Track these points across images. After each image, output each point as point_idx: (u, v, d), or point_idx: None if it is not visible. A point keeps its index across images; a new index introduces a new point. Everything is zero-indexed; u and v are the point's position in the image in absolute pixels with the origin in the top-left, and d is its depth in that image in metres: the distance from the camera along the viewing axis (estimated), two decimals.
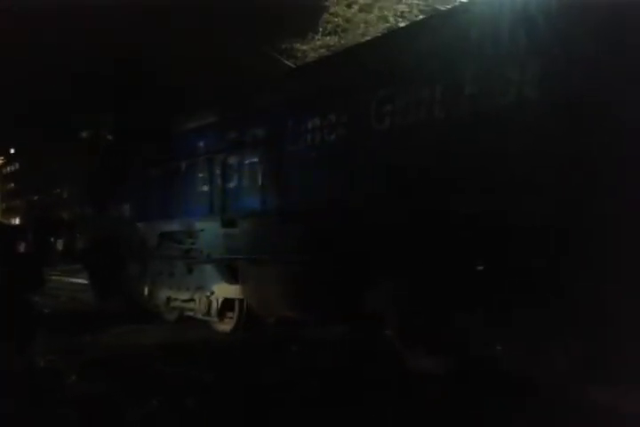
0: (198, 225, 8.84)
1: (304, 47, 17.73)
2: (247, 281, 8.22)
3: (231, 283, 8.51)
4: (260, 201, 7.96)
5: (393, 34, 9.33)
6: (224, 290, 8.64)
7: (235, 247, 8.14)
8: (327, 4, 17.09)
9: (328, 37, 17.53)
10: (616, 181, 4.29)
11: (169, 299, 9.83)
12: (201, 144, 9.39)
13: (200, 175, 9.16)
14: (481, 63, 5.14)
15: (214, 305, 8.82)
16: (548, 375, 4.72)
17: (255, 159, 8.21)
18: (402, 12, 16.52)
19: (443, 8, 14.35)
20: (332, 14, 17.28)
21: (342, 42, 17.09)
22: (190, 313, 9.50)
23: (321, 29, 17.41)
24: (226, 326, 8.88)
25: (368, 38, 14.38)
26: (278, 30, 18.01)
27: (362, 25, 17.03)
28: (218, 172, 8.80)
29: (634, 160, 4.17)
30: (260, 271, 7.92)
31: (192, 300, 9.32)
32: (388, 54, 6.16)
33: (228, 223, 8.23)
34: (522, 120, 4.79)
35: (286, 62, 17.79)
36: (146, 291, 10.18)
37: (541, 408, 4.47)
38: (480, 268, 5.09)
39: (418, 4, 16.30)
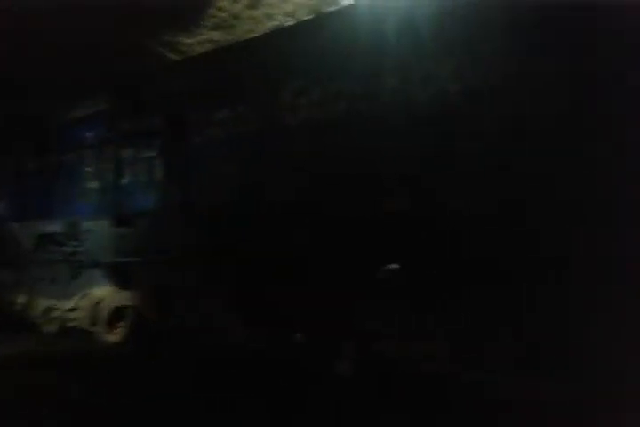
0: (84, 225, 7.92)
1: (189, 41, 16.25)
2: (140, 286, 7.44)
3: (122, 289, 7.69)
4: (157, 198, 7.22)
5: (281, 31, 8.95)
6: (114, 297, 7.79)
7: (127, 249, 7.33)
8: None
9: (214, 32, 16.38)
10: None
11: (49, 308, 8.80)
12: (87, 135, 8.47)
13: (86, 170, 8.24)
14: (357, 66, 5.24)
15: (102, 314, 7.93)
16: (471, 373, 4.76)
17: (152, 152, 7.46)
18: (290, 12, 15.71)
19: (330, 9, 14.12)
20: (218, 9, 16.07)
21: (229, 37, 15.86)
22: (74, 324, 8.53)
23: (207, 24, 16.06)
24: (115, 337, 8.01)
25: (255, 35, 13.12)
26: (161, 23, 17.36)
27: (248, 22, 16.01)
28: (107, 165, 7.94)
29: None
30: (154, 275, 7.17)
31: (76, 309, 8.37)
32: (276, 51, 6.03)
33: (119, 223, 7.40)
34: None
35: (170, 56, 15.61)
36: (21, 300, 9.08)
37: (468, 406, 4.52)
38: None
39: (306, 4, 15.55)
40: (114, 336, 8.00)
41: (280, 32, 7.63)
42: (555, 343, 4.28)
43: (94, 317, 8.01)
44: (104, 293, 7.85)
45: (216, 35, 16.42)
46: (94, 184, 7.95)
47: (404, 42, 4.94)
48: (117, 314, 7.85)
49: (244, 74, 6.30)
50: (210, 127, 6.53)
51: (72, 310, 8.45)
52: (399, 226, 4.91)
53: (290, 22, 15.10)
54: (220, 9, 15.98)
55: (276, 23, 15.59)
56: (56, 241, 8.52)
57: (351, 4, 7.15)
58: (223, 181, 6.38)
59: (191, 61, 8.67)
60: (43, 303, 8.83)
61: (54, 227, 8.32)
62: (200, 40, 16.27)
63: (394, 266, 5.45)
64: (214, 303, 6.59)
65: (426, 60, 4.82)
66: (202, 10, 15.91)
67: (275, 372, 5.90)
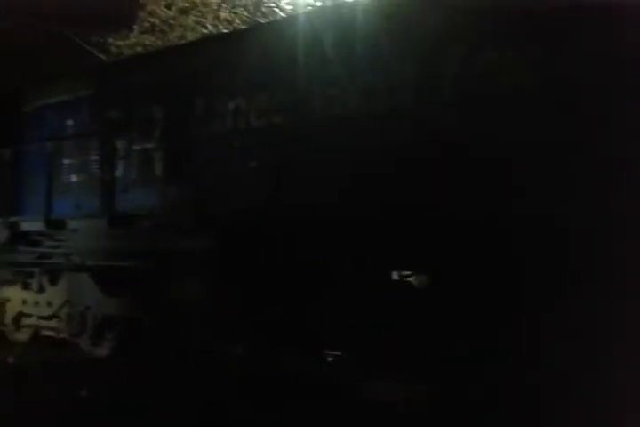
0: (69, 224, 7.02)
1: (119, 43, 16.56)
2: (136, 295, 6.62)
3: (114, 296, 6.86)
4: (159, 196, 6.43)
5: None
6: (103, 305, 6.94)
7: (122, 252, 6.51)
8: (144, 1, 16.11)
9: (145, 36, 16.40)
10: None
11: (20, 315, 7.85)
12: (67, 122, 7.56)
13: (69, 162, 7.34)
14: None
15: (90, 323, 7.07)
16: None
17: (148, 144, 6.66)
18: (225, 20, 16.03)
19: (264, 20, 14.96)
20: (149, 14, 16.29)
21: (160, 42, 16.04)
22: (50, 333, 7.62)
23: (137, 27, 16.28)
24: (102, 349, 7.16)
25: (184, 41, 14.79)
26: (89, 23, 15.98)
27: (178, 28, 16.22)
28: (95, 158, 7.07)
29: None
30: (155, 283, 6.37)
31: (55, 317, 7.47)
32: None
33: (114, 223, 6.57)
34: None
35: (99, 55, 16.15)
36: None
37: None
38: None
39: (241, 15, 16.10)
40: (100, 349, 7.17)
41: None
42: None
43: (77, 326, 7.15)
44: (92, 300, 7.00)
45: (146, 38, 16.43)
46: (81, 179, 7.09)
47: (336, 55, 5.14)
48: (105, 324, 7.03)
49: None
50: (228, 117, 5.82)
51: (49, 318, 7.55)
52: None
53: (221, 30, 15.21)
54: (150, 14, 16.24)
55: (205, 31, 15.88)
56: (31, 242, 7.58)
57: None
58: (244, 179, 5.68)
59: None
60: (12, 309, 7.88)
61: (31, 225, 7.38)
62: (130, 43, 16.50)
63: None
64: (225, 315, 5.88)
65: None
66: (132, 14, 15.99)
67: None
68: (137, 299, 6.56)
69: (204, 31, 15.83)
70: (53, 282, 7.44)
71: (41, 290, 7.50)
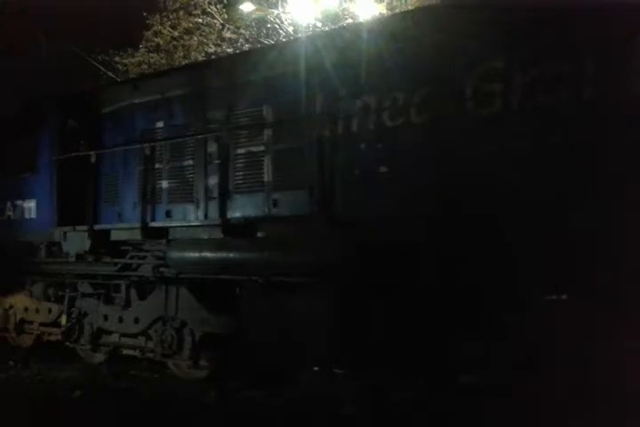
0: (172, 232, 6.40)
1: (125, 61, 17.11)
2: (248, 312, 5.96)
3: (218, 312, 6.21)
4: (280, 203, 5.82)
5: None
6: (205, 322, 6.29)
7: (238, 263, 5.86)
8: (150, 22, 16.56)
9: (152, 54, 17.03)
10: None
11: (98, 332, 7.17)
12: (157, 124, 6.96)
13: (164, 166, 6.70)
14: None
15: (187, 342, 6.41)
16: None
17: (258, 147, 6.06)
18: (229, 39, 16.51)
19: (267, 41, 15.50)
20: (155, 33, 16.74)
21: (164, 61, 16.76)
22: (134, 353, 6.94)
23: (142, 46, 16.93)
24: (199, 372, 6.49)
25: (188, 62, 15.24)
26: (97, 41, 16.95)
27: (181, 48, 16.73)
28: (196, 161, 6.46)
29: None
30: (274, 299, 5.72)
31: (141, 334, 6.80)
32: None
33: (227, 231, 5.93)
34: None
35: (109, 73, 17.19)
36: (63, 320, 7.39)
37: None
38: None
39: (244, 34, 16.40)
40: (196, 371, 6.50)
41: None
42: None
43: (171, 346, 6.48)
44: (190, 316, 6.34)
45: (152, 57, 17.10)
46: (178, 184, 6.46)
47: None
48: (204, 344, 6.36)
49: None
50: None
51: (134, 335, 6.88)
52: None
53: (225, 50, 16.04)
54: (156, 33, 16.68)
55: (211, 50, 16.60)
56: (118, 251, 6.91)
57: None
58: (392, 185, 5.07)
59: None
60: (89, 326, 7.20)
61: (123, 234, 6.70)
62: (136, 61, 17.13)
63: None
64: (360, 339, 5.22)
65: None
66: (138, 32, 16.65)
67: None
68: (246, 316, 5.92)
69: (208, 51, 16.43)
70: (142, 296, 6.79)
71: (127, 305, 6.84)
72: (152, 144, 6.64)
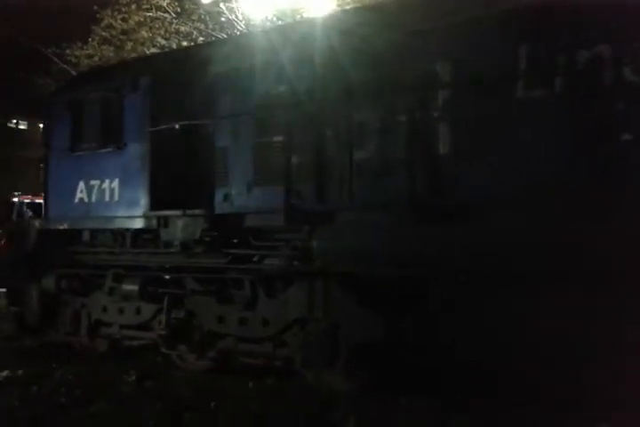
0: (343, 217, 5.10)
1: (77, 53, 17.01)
2: (446, 318, 4.78)
3: (383, 314, 5.09)
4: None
5: None
6: (366, 327, 5.14)
7: (428, 258, 4.66)
8: (100, 16, 16.48)
9: (104, 46, 16.93)
10: None
11: (209, 335, 5.97)
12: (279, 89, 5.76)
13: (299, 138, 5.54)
14: None
15: (343, 350, 5.27)
16: None
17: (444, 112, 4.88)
18: (181, 32, 16.47)
19: (220, 35, 15.47)
20: (107, 26, 16.60)
21: (114, 54, 16.70)
22: (254, 361, 5.77)
23: (93, 39, 16.89)
24: (347, 384, 5.34)
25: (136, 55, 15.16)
26: (47, 34, 17.47)
27: (129, 42, 16.63)
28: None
29: None
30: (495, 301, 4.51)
31: (270, 339, 5.64)
32: None
33: (423, 218, 4.76)
34: None
35: (61, 64, 17.40)
36: (162, 321, 6.15)
37: None
38: None
39: (198, 28, 16.29)
40: (346, 383, 5.38)
41: None
42: None
43: (318, 353, 5.36)
44: (341, 318, 5.23)
45: (105, 49, 16.98)
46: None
47: None
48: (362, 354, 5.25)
49: None
50: None
51: (256, 340, 5.73)
52: None
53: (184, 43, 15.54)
54: (108, 26, 16.67)
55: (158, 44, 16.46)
56: (240, 240, 5.72)
57: None
58: None
59: None
60: (199, 330, 6.01)
61: (262, 218, 5.48)
62: (88, 53, 17.02)
63: None
64: None
65: None
66: (88, 25, 16.74)
67: None
68: (450, 323, 4.74)
69: (157, 45, 16.38)
70: (271, 293, 5.65)
71: (251, 304, 5.68)
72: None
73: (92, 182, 6.61)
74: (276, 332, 5.52)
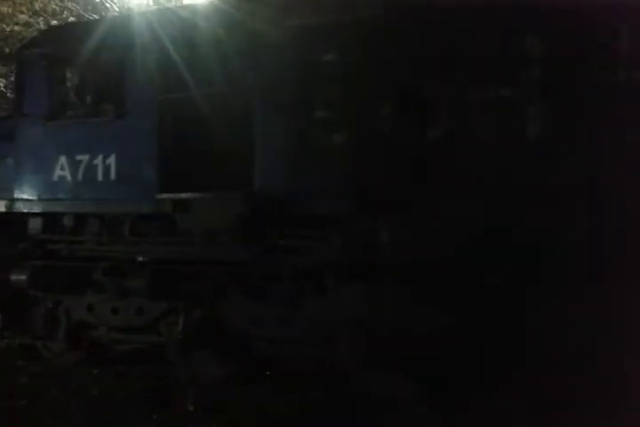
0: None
1: None
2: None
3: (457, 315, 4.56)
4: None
5: None
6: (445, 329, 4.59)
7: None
8: None
9: None
10: None
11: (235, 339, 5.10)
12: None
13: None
14: None
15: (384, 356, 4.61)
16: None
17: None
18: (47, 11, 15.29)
19: (91, 16, 14.82)
20: None
21: None
22: (301, 366, 5.03)
23: None
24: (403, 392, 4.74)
25: None
26: None
27: None
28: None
29: None
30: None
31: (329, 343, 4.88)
32: None
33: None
34: None
35: None
36: (179, 324, 5.18)
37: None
38: None
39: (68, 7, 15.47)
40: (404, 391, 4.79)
41: None
42: None
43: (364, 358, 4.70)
44: (408, 320, 4.63)
45: None
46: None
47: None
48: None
49: None
50: None
51: (300, 341, 4.98)
52: None
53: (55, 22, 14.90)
54: None
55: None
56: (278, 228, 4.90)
57: None
58: None
59: None
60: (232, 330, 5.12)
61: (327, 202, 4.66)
62: None
63: None
64: None
65: None
66: None
67: None
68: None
69: (19, 22, 15.06)
70: (321, 291, 4.93)
71: (296, 303, 4.93)
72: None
73: (79, 158, 5.50)
74: (328, 332, 4.82)
